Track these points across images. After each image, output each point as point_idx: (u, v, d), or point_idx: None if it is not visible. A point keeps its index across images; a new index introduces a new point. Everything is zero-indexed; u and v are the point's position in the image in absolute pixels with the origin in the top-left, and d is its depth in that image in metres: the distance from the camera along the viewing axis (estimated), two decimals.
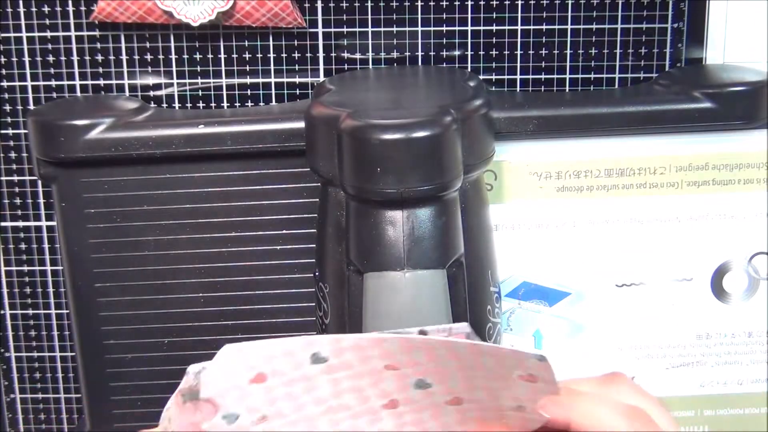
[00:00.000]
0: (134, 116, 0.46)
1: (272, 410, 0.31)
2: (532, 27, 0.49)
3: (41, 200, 0.52)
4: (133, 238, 0.47)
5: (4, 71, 0.50)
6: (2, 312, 0.53)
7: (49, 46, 0.50)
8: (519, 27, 0.49)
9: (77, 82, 0.50)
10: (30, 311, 0.53)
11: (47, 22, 0.49)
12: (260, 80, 0.50)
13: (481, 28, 0.49)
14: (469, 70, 0.50)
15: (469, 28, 0.50)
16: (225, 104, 0.51)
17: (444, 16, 0.49)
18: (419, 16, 0.49)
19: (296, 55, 0.50)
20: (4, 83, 0.50)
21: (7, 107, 0.51)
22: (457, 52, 0.50)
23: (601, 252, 0.46)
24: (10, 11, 0.49)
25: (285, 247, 0.47)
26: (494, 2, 0.49)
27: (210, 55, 0.50)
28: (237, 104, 0.51)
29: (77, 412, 0.55)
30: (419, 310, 0.40)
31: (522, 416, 0.32)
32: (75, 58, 0.50)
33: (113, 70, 0.50)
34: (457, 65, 0.50)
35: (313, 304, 0.45)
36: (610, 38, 0.50)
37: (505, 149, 0.45)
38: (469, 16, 0.49)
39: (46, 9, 0.49)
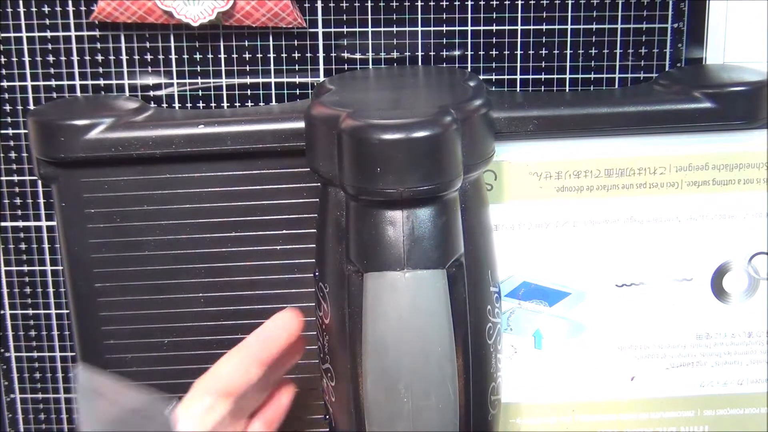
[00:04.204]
0: (134, 116, 0.46)
1: None
2: (532, 27, 0.49)
3: (41, 200, 0.52)
4: (133, 238, 0.47)
5: (4, 71, 0.50)
6: (2, 312, 0.53)
7: (49, 46, 0.50)
8: (519, 27, 0.49)
9: (77, 82, 0.50)
10: (30, 311, 0.53)
11: (47, 22, 0.49)
12: (260, 80, 0.50)
13: (481, 28, 0.49)
14: (469, 70, 0.50)
15: (469, 28, 0.50)
16: (225, 104, 0.51)
17: (444, 16, 0.49)
18: (419, 16, 0.49)
19: (296, 55, 0.50)
20: (4, 83, 0.50)
21: (7, 107, 0.51)
22: (457, 52, 0.50)
23: (601, 252, 0.46)
24: (10, 11, 0.49)
25: (285, 247, 0.47)
26: (494, 2, 0.49)
27: (210, 55, 0.50)
28: (237, 104, 0.51)
29: (77, 412, 0.55)
30: (419, 310, 0.40)
31: None
32: (75, 58, 0.50)
33: (113, 70, 0.50)
34: (457, 65, 0.50)
35: (313, 304, 0.45)
36: (610, 38, 0.50)
37: (505, 149, 0.45)
38: (469, 16, 0.49)
39: (46, 9, 0.49)
